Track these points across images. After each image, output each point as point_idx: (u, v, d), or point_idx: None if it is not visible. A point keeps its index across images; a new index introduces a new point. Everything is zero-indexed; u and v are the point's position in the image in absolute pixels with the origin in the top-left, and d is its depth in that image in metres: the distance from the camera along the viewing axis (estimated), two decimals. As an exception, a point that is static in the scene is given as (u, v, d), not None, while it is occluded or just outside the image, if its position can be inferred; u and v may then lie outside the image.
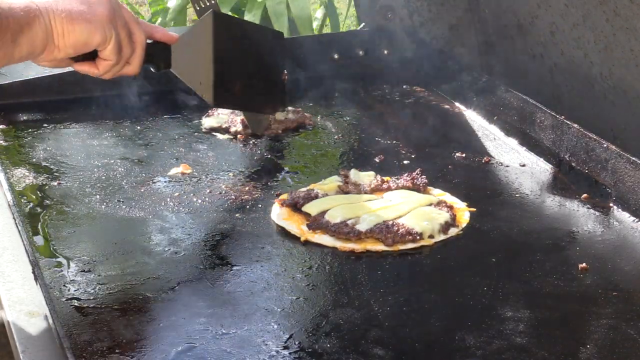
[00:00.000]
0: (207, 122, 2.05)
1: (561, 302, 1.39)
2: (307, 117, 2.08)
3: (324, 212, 1.60)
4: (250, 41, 1.87)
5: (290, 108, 2.10)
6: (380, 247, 1.53)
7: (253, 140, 1.98)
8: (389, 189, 1.71)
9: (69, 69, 1.59)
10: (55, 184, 1.74)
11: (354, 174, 1.76)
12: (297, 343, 1.27)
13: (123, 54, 1.56)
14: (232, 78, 1.80)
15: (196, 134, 2.01)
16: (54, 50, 1.46)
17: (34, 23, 1.41)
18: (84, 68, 1.57)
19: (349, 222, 1.56)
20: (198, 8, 1.93)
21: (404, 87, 2.33)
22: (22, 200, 1.67)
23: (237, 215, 1.64)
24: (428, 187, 1.73)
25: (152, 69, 1.71)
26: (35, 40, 1.42)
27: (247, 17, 3.64)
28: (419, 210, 1.61)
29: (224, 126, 2.02)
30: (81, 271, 1.43)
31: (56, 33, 1.44)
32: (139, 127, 2.05)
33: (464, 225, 1.61)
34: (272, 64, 1.92)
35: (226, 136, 2.00)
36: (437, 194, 1.72)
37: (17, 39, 1.39)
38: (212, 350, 1.24)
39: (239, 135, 1.99)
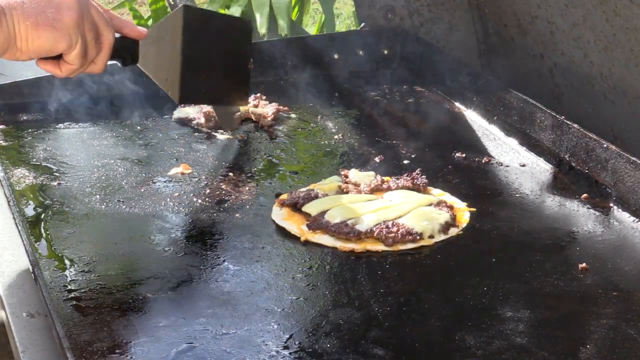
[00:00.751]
0: (176, 114, 2.07)
1: (561, 302, 1.39)
2: (282, 108, 2.11)
3: (324, 212, 1.60)
4: (219, 34, 1.83)
5: (270, 103, 2.11)
6: (380, 247, 1.53)
7: (253, 140, 1.98)
8: (389, 189, 1.71)
9: None
10: (55, 184, 1.74)
11: (354, 174, 1.76)
12: (297, 343, 1.27)
13: (88, 57, 1.54)
14: (200, 74, 1.77)
15: (196, 134, 2.01)
16: (17, 52, 1.46)
17: None
18: (47, 67, 1.55)
19: (349, 222, 1.56)
20: (172, 2, 1.91)
21: (404, 87, 2.33)
22: (22, 200, 1.67)
23: (237, 215, 1.64)
24: (428, 187, 1.73)
25: (119, 64, 1.69)
26: None
27: (233, 8, 3.67)
28: (419, 210, 1.61)
29: (189, 117, 2.04)
30: (81, 271, 1.43)
31: (19, 38, 1.44)
32: (139, 127, 2.05)
33: (464, 225, 1.61)
34: (239, 54, 1.88)
35: (226, 136, 2.00)
36: (437, 194, 1.72)
37: None
38: (212, 350, 1.24)
39: (239, 135, 1.99)
